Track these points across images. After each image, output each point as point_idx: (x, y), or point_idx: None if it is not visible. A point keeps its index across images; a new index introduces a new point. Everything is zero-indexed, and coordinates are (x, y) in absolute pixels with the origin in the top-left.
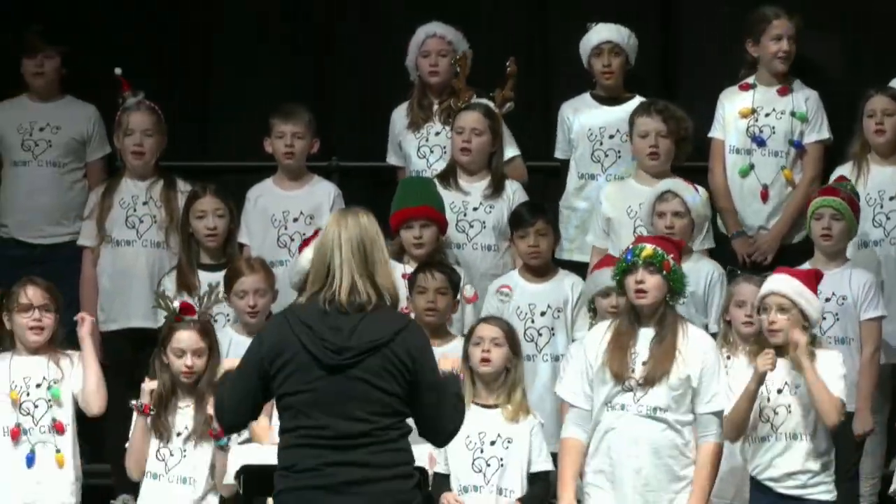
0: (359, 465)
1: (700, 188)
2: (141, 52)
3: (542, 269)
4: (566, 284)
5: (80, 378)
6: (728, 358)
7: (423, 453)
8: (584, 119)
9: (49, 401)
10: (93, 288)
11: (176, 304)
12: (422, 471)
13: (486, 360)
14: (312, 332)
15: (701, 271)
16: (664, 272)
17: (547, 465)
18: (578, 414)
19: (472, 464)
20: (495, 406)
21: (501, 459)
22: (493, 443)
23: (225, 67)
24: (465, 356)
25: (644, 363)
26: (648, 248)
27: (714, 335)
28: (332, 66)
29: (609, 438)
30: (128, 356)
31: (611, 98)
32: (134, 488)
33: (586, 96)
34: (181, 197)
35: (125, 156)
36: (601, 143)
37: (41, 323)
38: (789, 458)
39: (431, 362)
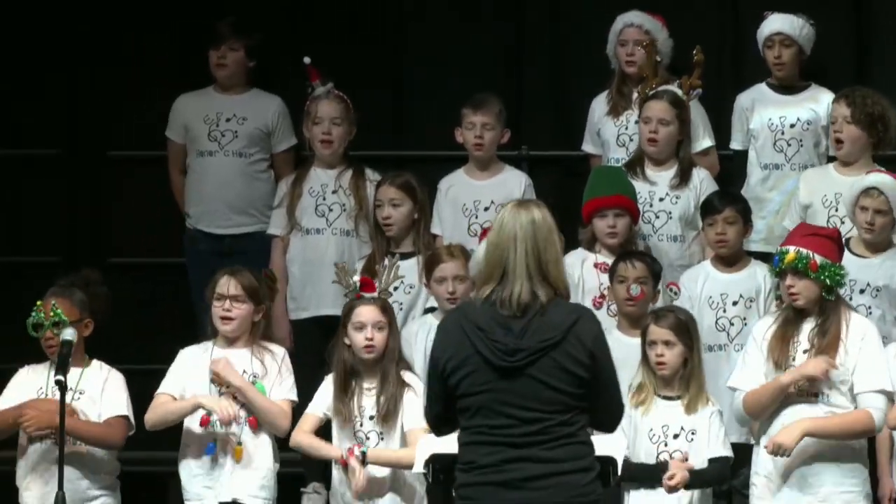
0: (535, 461)
1: None
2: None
3: (731, 258)
4: (759, 274)
5: (279, 386)
6: None
7: (614, 442)
8: (763, 109)
9: None
10: (282, 276)
11: (356, 278)
12: (611, 460)
13: (661, 364)
14: (484, 334)
15: None
16: (811, 273)
17: (725, 451)
18: None
19: (657, 458)
20: (677, 398)
21: (685, 453)
22: (676, 436)
23: (420, 56)
24: (644, 355)
25: (805, 352)
26: (791, 253)
27: None
28: (524, 55)
29: (775, 426)
30: (318, 344)
31: (786, 87)
32: (324, 476)
33: (762, 86)
34: (370, 186)
35: (314, 144)
36: (782, 133)
37: (230, 313)
38: None
39: (607, 353)
